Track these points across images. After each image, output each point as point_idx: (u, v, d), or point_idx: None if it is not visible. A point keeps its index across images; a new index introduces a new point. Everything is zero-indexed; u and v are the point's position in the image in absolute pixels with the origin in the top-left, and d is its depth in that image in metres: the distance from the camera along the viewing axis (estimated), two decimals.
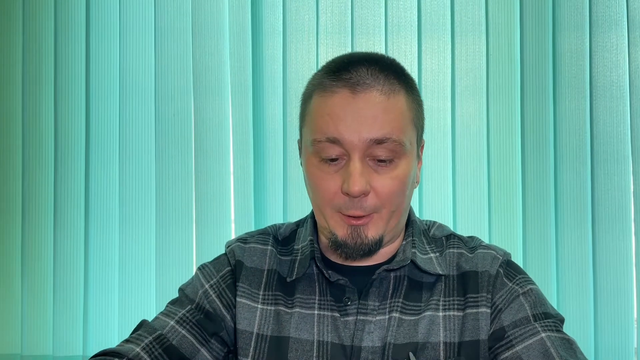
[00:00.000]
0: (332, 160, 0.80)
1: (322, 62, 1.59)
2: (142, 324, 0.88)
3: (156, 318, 0.88)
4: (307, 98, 0.85)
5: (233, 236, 1.60)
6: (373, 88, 0.79)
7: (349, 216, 0.80)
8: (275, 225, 0.97)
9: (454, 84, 1.59)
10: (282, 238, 0.93)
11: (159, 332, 0.85)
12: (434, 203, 1.57)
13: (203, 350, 0.86)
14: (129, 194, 1.62)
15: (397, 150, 0.80)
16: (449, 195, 1.58)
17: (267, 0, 1.63)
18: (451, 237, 0.92)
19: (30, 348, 1.61)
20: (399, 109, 0.81)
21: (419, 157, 0.87)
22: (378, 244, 0.82)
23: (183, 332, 0.86)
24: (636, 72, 1.56)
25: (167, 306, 0.90)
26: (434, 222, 0.95)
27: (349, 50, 1.60)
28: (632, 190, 1.55)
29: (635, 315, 1.53)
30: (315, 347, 0.83)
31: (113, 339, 1.60)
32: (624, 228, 1.54)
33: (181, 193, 1.61)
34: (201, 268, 0.93)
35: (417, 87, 0.87)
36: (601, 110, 1.56)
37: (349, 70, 0.81)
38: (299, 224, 0.95)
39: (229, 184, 1.61)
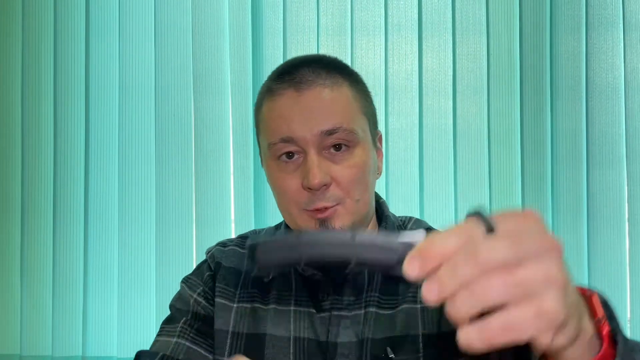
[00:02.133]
0: (289, 156, 0.81)
1: None
2: (140, 355, 0.86)
3: (156, 342, 0.88)
4: (258, 107, 0.87)
5: (233, 236, 1.60)
6: (316, 83, 0.81)
7: (315, 211, 0.81)
8: (255, 230, 0.99)
9: (455, 83, 1.60)
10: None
11: (162, 353, 0.84)
12: (435, 201, 1.58)
13: (212, 357, 0.86)
14: (128, 194, 1.61)
15: (349, 138, 0.81)
16: (450, 193, 1.58)
17: (267, 0, 1.62)
18: (429, 230, 0.92)
19: (29, 348, 1.60)
20: (344, 100, 0.83)
21: (377, 148, 0.88)
22: None
23: (187, 344, 0.86)
24: (631, 73, 1.58)
25: (162, 327, 0.90)
26: (411, 218, 0.96)
27: (349, 50, 1.60)
28: (626, 190, 1.57)
29: (628, 315, 1.55)
30: (291, 343, 0.83)
31: (112, 339, 1.60)
32: (618, 228, 1.55)
33: (181, 193, 1.60)
34: (185, 281, 0.93)
35: (363, 80, 0.89)
36: (597, 111, 1.58)
37: (292, 72, 0.83)
38: (278, 227, 0.96)
39: (229, 184, 1.61)
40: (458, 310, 0.39)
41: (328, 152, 0.81)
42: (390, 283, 0.85)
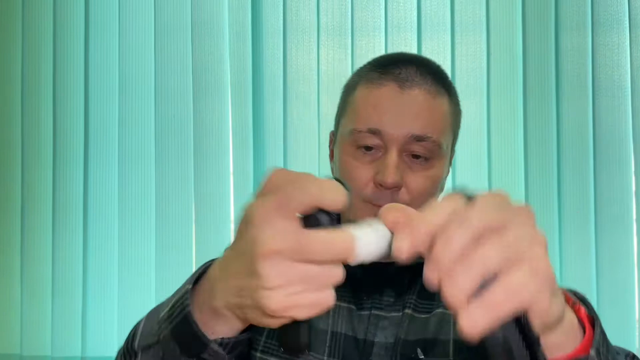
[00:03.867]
0: (368, 149, 0.80)
1: (323, 62, 1.61)
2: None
3: None
4: (350, 89, 0.85)
5: (232, 236, 1.59)
6: (421, 86, 0.80)
7: (378, 206, 0.78)
8: None
9: (455, 84, 1.58)
10: None
11: None
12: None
13: None
14: (128, 194, 1.62)
15: (434, 150, 0.80)
16: None
17: (267, 0, 1.62)
18: None
19: (29, 348, 1.61)
20: (442, 111, 0.82)
21: (450, 164, 0.87)
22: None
23: None
24: (638, 71, 1.56)
25: None
26: None
27: (349, 50, 1.60)
28: (634, 190, 1.54)
29: (637, 317, 1.52)
30: (328, 337, 0.82)
31: (112, 340, 1.60)
32: (626, 228, 1.53)
33: (181, 193, 1.61)
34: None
35: (457, 93, 0.89)
36: (603, 109, 1.55)
37: (399, 67, 0.82)
38: None
39: (228, 184, 1.61)
40: (459, 286, 0.38)
41: (408, 157, 0.80)
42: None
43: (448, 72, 1.56)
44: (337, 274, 0.44)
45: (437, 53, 1.59)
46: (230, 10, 1.63)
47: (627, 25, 1.56)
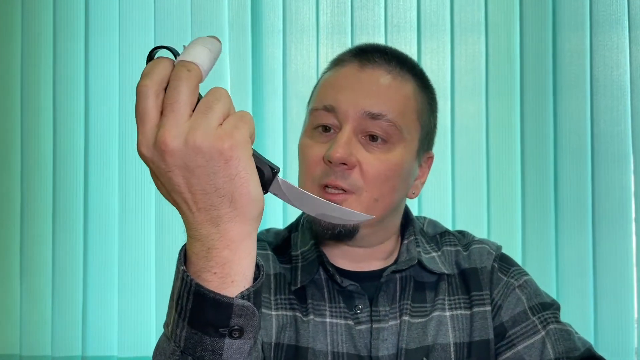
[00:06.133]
0: (326, 130, 0.78)
1: (322, 61, 1.61)
2: None
3: None
4: (319, 78, 0.86)
5: None
6: (382, 67, 0.80)
7: (326, 187, 0.76)
8: (262, 232, 0.91)
9: (454, 84, 1.58)
10: (273, 248, 0.87)
11: None
12: (433, 203, 1.57)
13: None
14: (128, 193, 1.61)
15: (391, 132, 0.77)
16: (448, 195, 1.57)
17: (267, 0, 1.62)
18: (445, 234, 0.90)
19: (29, 348, 1.60)
20: (403, 93, 0.79)
21: (420, 164, 0.84)
22: (352, 230, 0.77)
23: None
24: (637, 71, 1.56)
25: None
26: (425, 218, 0.94)
27: None
28: (632, 189, 1.54)
29: (635, 315, 1.52)
30: (329, 359, 0.78)
31: (112, 339, 1.60)
32: (625, 227, 1.53)
33: None
34: None
35: (436, 96, 0.86)
36: (602, 109, 1.56)
37: (366, 51, 0.82)
38: (290, 229, 0.90)
39: None
40: None
41: (364, 138, 0.77)
42: (419, 290, 0.83)
43: (447, 72, 1.59)
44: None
45: (436, 53, 1.59)
46: (230, 10, 1.62)
47: (627, 25, 1.56)
